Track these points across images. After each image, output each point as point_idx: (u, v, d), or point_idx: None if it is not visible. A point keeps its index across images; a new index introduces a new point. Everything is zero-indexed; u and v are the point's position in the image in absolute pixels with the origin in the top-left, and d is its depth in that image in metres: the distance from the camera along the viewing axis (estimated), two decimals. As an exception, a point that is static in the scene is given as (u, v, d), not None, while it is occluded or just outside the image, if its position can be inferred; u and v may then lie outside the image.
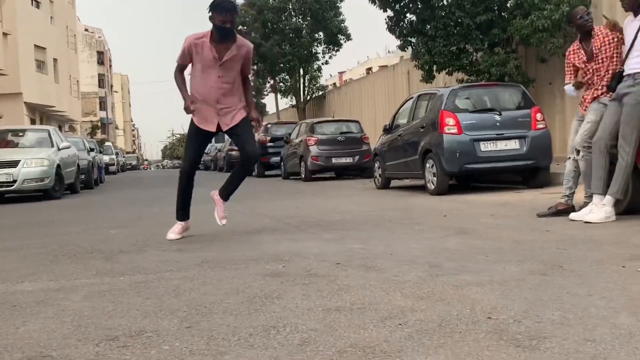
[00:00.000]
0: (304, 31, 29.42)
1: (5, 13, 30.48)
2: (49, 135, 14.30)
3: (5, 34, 29.44)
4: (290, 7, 29.73)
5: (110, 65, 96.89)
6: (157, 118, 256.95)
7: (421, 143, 9.96)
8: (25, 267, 4.47)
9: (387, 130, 11.67)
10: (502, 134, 9.36)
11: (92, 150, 19.28)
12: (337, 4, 29.07)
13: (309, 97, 32.54)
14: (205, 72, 5.29)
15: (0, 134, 14.60)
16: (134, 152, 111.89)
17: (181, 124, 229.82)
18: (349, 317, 2.74)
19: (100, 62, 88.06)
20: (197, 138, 5.65)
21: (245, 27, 29.98)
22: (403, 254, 4.37)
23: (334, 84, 58.10)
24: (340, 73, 77.71)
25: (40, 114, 36.49)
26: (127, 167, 53.85)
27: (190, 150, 5.71)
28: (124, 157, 49.54)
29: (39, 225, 7.80)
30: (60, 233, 6.63)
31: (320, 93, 32.54)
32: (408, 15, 15.55)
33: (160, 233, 5.88)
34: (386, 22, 15.83)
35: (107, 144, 39.33)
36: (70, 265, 4.45)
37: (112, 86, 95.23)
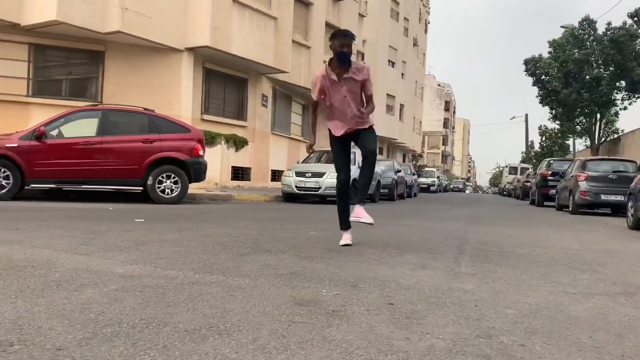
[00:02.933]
0: (604, 80, 24.84)
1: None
2: (354, 156, 14.24)
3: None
4: (592, 58, 25.43)
5: (454, 112, 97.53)
6: (489, 152, 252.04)
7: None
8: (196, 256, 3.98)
9: (643, 169, 8.73)
10: None
11: (399, 171, 18.90)
12: (641, 54, 23.81)
13: (603, 140, 27.48)
14: (334, 96, 4.56)
15: (322, 153, 15.09)
16: (467, 179, 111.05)
17: (504, 158, 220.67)
18: None
19: (446, 109, 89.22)
20: (340, 152, 4.80)
21: (547, 77, 26.70)
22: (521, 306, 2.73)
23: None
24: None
25: (387, 144, 37.98)
26: (451, 189, 53.04)
27: (339, 168, 4.81)
28: (446, 180, 48.60)
29: (287, 219, 7.47)
30: (282, 228, 6.13)
31: (615, 136, 27.18)
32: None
33: (365, 241, 4.94)
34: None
35: (428, 169, 38.95)
36: (222, 255, 3.82)
37: (453, 127, 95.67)
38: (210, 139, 14.49)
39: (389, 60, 35.55)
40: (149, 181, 9.80)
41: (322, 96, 4.63)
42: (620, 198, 12.84)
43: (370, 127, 4.71)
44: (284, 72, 16.62)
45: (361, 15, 25.61)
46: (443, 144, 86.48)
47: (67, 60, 13.19)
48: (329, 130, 4.75)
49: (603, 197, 13.14)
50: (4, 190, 8.81)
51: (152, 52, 13.62)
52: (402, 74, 38.32)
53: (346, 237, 4.77)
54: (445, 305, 2.62)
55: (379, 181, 15.63)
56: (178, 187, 10.04)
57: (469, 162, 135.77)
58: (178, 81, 13.93)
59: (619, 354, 1.96)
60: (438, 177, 38.21)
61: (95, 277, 2.88)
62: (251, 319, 2.19)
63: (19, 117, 11.68)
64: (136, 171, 9.74)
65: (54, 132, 9.41)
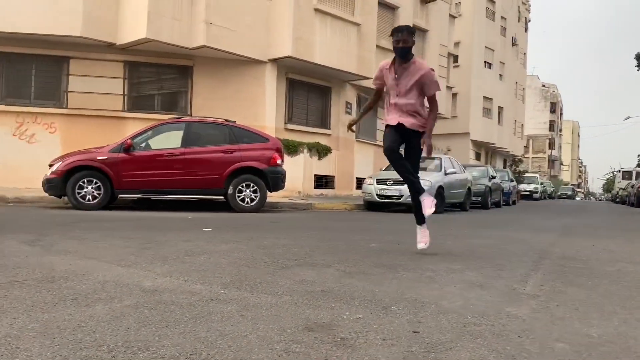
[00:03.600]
0: None
1: (459, 76, 31.18)
2: (441, 162, 13.73)
3: (454, 94, 30.08)
4: None
5: (561, 114, 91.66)
6: (602, 156, 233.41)
7: None
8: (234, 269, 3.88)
9: None
10: None
11: (493, 177, 17.87)
12: None
13: None
14: (392, 90, 4.57)
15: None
16: (578, 185, 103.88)
17: (619, 161, 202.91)
18: None
19: (552, 110, 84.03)
20: (391, 133, 4.59)
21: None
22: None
23: None
24: None
25: (485, 149, 36.36)
26: (558, 196, 49.63)
27: (386, 140, 4.58)
28: (552, 187, 45.43)
29: (336, 229, 7.20)
30: (344, 239, 5.89)
31: None
32: None
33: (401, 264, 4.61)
34: None
35: (529, 174, 36.59)
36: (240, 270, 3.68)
37: (560, 130, 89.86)
38: (292, 148, 14.59)
39: (485, 62, 34.07)
40: (230, 190, 9.97)
41: (383, 86, 4.67)
42: None
43: (423, 133, 4.50)
44: (368, 78, 16.38)
45: (452, 17, 24.72)
46: (549, 148, 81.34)
47: (159, 76, 13.89)
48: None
49: None
50: (95, 201, 9.34)
51: (237, 65, 13.98)
52: (500, 75, 36.55)
53: (421, 239, 4.72)
54: (481, 335, 2.24)
55: (469, 188, 14.87)
56: (257, 196, 10.13)
57: (580, 167, 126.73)
58: (262, 92, 14.17)
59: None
60: (541, 184, 35.89)
61: (117, 291, 2.82)
62: (243, 346, 1.98)
63: (116, 131, 12.42)
64: (217, 180, 9.95)
65: (143, 144, 9.86)
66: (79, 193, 9.30)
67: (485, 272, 3.90)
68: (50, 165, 9.59)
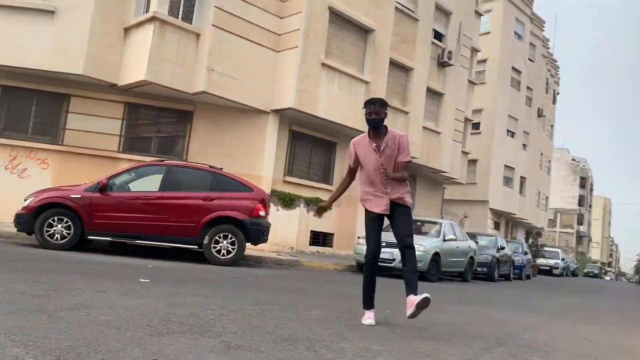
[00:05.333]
0: None
1: (479, 142, 30.72)
2: (440, 227, 13.00)
3: (473, 160, 29.57)
4: None
5: (592, 189, 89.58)
6: (636, 236, 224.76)
7: None
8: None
9: None
10: None
11: (502, 248, 16.91)
12: None
13: None
14: (369, 166, 4.40)
15: (417, 222, 13.97)
16: (608, 264, 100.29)
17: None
18: None
19: (582, 185, 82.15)
20: (372, 226, 4.47)
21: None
22: None
23: None
24: None
25: (506, 219, 35.26)
26: (584, 274, 47.46)
27: (369, 239, 4.44)
28: (575, 263, 43.38)
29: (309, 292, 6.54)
30: (287, 303, 5.26)
31: None
32: None
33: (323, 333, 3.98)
34: None
35: (549, 249, 35.01)
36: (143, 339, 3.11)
37: (590, 206, 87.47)
38: (289, 201, 14.09)
39: (507, 130, 33.51)
40: (205, 240, 9.46)
41: (359, 165, 4.53)
42: None
43: (407, 204, 4.41)
44: (375, 136, 15.99)
45: (472, 83, 24.44)
46: (578, 224, 78.96)
47: (157, 119, 13.76)
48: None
49: None
50: (64, 240, 8.93)
51: (238, 113, 13.79)
52: (524, 145, 35.86)
53: (369, 316, 4.45)
54: None
55: (472, 257, 14.02)
56: (234, 248, 9.58)
57: (611, 246, 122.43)
58: (262, 142, 13.87)
59: None
60: (563, 259, 34.28)
61: None
62: None
63: (109, 170, 12.15)
64: (193, 229, 9.46)
65: (120, 185, 9.51)
66: (47, 231, 8.90)
67: (405, 357, 3.23)
68: (25, 200, 9.30)
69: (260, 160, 13.85)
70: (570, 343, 4.72)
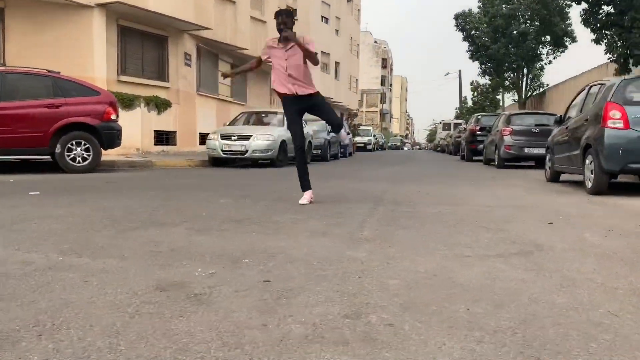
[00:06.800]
0: (530, 34, 25.36)
1: (299, 28, 31.62)
2: (283, 117, 13.97)
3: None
4: (519, 14, 25.83)
5: (392, 69, 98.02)
6: (426, 109, 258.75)
7: (583, 137, 7.24)
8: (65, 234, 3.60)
9: (559, 122, 8.93)
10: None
11: (330, 131, 18.69)
12: (566, 10, 24.33)
13: (529, 94, 28.28)
14: (277, 63, 5.17)
15: (259, 114, 14.72)
16: (405, 136, 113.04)
17: (440, 114, 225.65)
18: None
19: (384, 66, 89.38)
20: (291, 115, 5.34)
21: (477, 32, 27.01)
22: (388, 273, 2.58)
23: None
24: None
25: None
26: (389, 147, 53.66)
27: (297, 132, 5.33)
28: (383, 138, 48.93)
29: (184, 187, 7.13)
30: (191, 197, 5.80)
31: (541, 90, 28.00)
32: (604, 7, 11.87)
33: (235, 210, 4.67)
34: (580, 15, 12.33)
35: (363, 127, 38.96)
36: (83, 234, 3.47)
37: (391, 85, 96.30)
38: (128, 102, 13.71)
39: (322, 16, 34.83)
40: (57, 149, 9.15)
41: (267, 57, 5.26)
42: (542, 151, 13.18)
43: (317, 93, 5.23)
44: (206, 28, 15.86)
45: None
46: (381, 102, 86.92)
47: (-40, 19, 11.97)
48: (278, 93, 5.26)
49: (527, 150, 13.50)
50: None
51: (57, 8, 12.56)
52: (337, 31, 37.74)
53: (307, 196, 5.27)
54: (326, 278, 2.44)
55: (309, 142, 15.38)
56: (90, 155, 9.44)
57: (407, 120, 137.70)
58: (89, 40, 12.97)
59: (491, 329, 1.83)
60: (374, 136, 38.36)
61: None
62: (91, 312, 1.91)
63: None
64: (41, 139, 9.05)
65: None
66: None
67: (327, 221, 4.16)
68: None
69: (90, 61, 13.04)
70: (420, 198, 6.12)
